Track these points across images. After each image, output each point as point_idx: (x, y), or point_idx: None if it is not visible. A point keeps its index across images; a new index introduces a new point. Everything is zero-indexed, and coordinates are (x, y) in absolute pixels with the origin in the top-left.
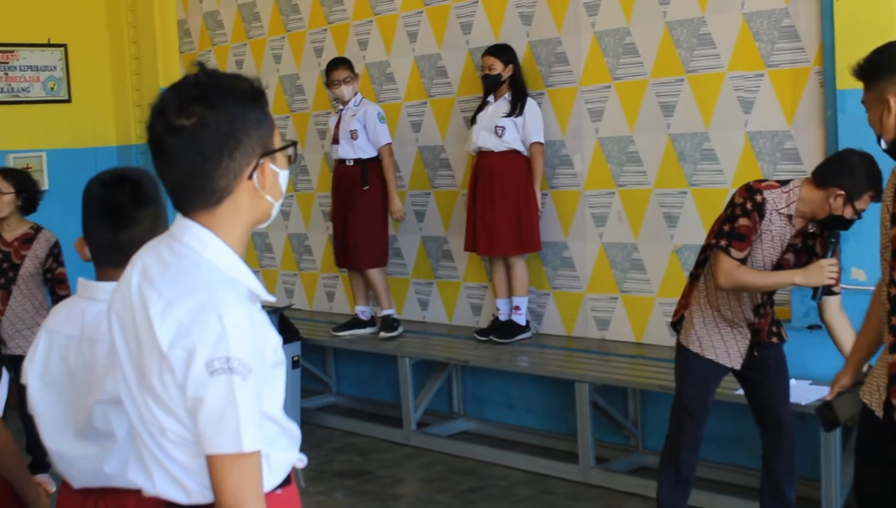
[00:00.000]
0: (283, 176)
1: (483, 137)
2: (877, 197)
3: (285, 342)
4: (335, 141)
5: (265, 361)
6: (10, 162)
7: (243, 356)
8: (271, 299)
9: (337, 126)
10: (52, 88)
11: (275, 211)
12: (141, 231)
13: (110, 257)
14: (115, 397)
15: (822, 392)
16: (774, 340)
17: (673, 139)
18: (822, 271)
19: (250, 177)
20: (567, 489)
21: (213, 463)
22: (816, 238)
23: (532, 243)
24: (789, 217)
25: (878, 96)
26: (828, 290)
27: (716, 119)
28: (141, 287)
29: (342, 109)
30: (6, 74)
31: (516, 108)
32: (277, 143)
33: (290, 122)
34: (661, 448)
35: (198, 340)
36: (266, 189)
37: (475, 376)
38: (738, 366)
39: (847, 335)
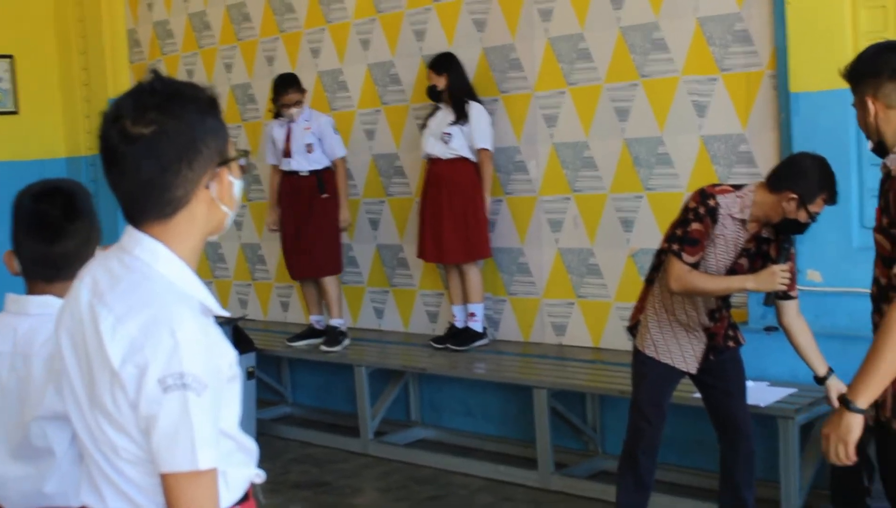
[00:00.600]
0: (238, 186)
1: (431, 144)
2: (830, 200)
3: (240, 352)
4: (286, 154)
5: (221, 376)
6: None
7: (197, 371)
8: (224, 313)
9: (287, 140)
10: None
11: (229, 221)
12: (74, 244)
13: (42, 271)
14: (53, 412)
15: (780, 394)
16: (730, 344)
17: (628, 144)
18: (773, 276)
19: (207, 187)
20: (527, 495)
21: (167, 482)
22: (770, 243)
23: (480, 251)
24: (743, 222)
25: (860, 99)
26: (784, 294)
27: (670, 123)
28: (91, 303)
29: (291, 123)
30: None
31: (460, 117)
32: (232, 152)
33: (243, 131)
34: (619, 452)
35: (150, 356)
36: (223, 199)
37: (432, 383)
38: (693, 370)
39: (806, 340)
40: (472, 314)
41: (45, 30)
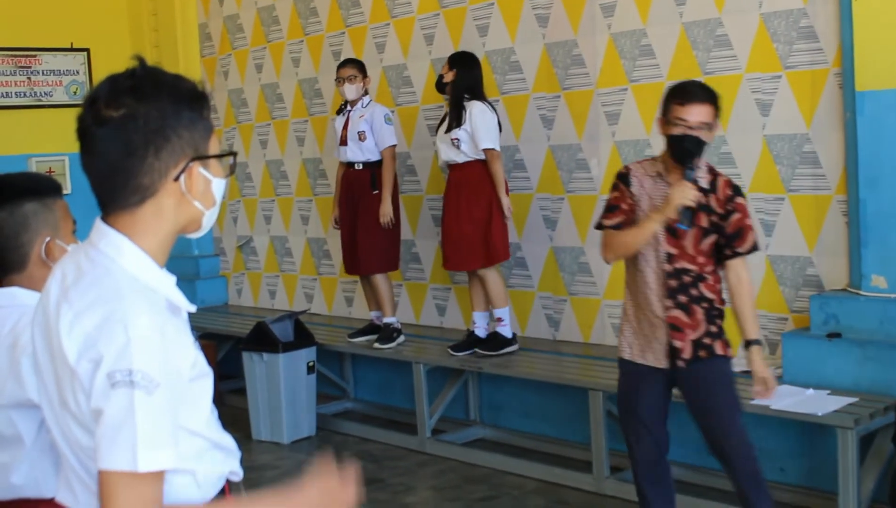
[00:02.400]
0: (217, 184)
1: (444, 150)
2: (682, 99)
3: (299, 346)
4: (342, 142)
5: (180, 376)
6: (33, 166)
7: (149, 369)
8: (191, 308)
9: (345, 127)
10: (75, 92)
11: (206, 220)
12: (1, 238)
13: None
14: (19, 400)
15: (839, 403)
16: (701, 353)
17: None
18: (681, 190)
19: (177, 179)
20: (580, 498)
21: (102, 480)
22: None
23: (499, 254)
24: (659, 175)
25: None
26: (733, 251)
27: (733, 122)
28: (58, 299)
29: (350, 111)
30: (29, 78)
31: (456, 118)
32: (214, 150)
33: (309, 125)
34: (677, 458)
35: (103, 350)
36: (194, 194)
37: (492, 383)
38: (662, 364)
39: (743, 302)
40: (500, 320)
41: (120, 24)
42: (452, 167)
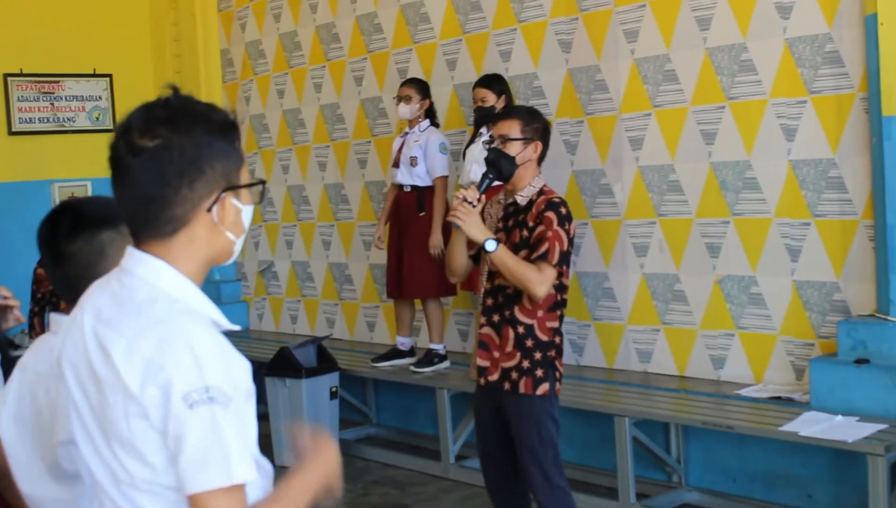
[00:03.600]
0: (247, 212)
1: (475, 171)
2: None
3: (323, 372)
4: (395, 165)
5: (239, 389)
6: (56, 192)
7: (221, 383)
8: (234, 327)
9: (399, 150)
10: (98, 118)
11: (236, 248)
12: (76, 267)
13: (61, 293)
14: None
15: (869, 430)
16: (506, 385)
17: (714, 168)
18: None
19: (209, 209)
20: None
21: (198, 503)
22: (516, 214)
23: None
24: (499, 201)
25: None
26: (530, 258)
27: (758, 147)
28: (96, 330)
29: (408, 133)
30: (52, 103)
31: None
32: (244, 179)
33: (331, 150)
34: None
35: (172, 374)
36: (225, 224)
37: None
38: (473, 376)
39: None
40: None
41: (143, 50)
42: None
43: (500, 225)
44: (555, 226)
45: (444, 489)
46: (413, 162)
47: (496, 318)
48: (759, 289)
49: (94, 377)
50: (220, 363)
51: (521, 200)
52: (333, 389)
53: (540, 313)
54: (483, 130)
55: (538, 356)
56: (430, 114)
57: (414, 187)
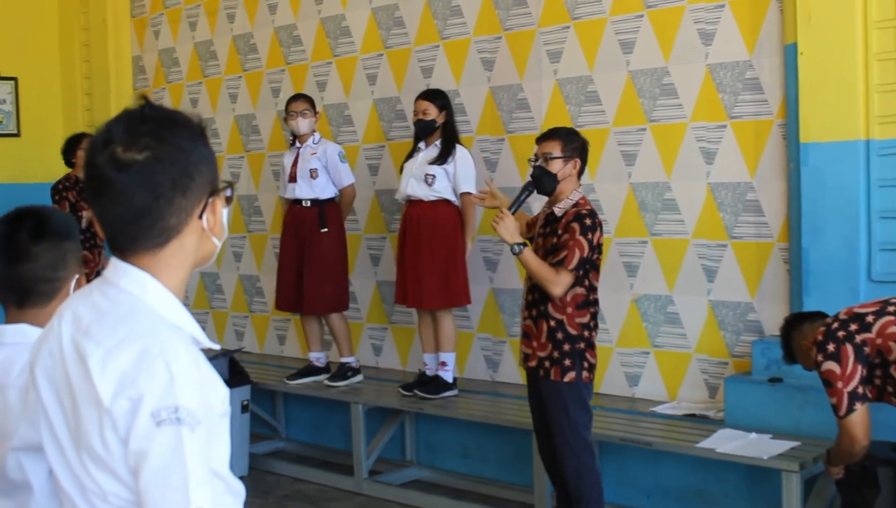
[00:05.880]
0: (226, 214)
1: (412, 186)
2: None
3: (234, 385)
4: (292, 179)
5: (213, 412)
6: None
7: (192, 405)
8: (214, 346)
9: (294, 164)
10: (1, 122)
11: (217, 251)
12: (39, 267)
13: (10, 296)
14: (29, 444)
15: (783, 447)
16: (540, 372)
17: (634, 188)
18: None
19: (200, 217)
20: None
21: None
22: (553, 222)
23: (461, 297)
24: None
25: None
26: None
27: (678, 169)
28: (75, 339)
29: (300, 148)
30: None
31: (447, 155)
32: (220, 181)
33: (245, 161)
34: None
35: (144, 389)
36: (213, 230)
37: (429, 423)
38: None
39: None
40: (444, 364)
41: (50, 54)
42: (414, 204)
43: (540, 231)
44: (577, 235)
45: (358, 504)
46: (314, 174)
47: (534, 312)
48: (675, 308)
49: (70, 388)
50: (194, 384)
51: (559, 211)
52: (245, 402)
53: (569, 310)
54: (422, 144)
55: (567, 347)
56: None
57: (314, 202)
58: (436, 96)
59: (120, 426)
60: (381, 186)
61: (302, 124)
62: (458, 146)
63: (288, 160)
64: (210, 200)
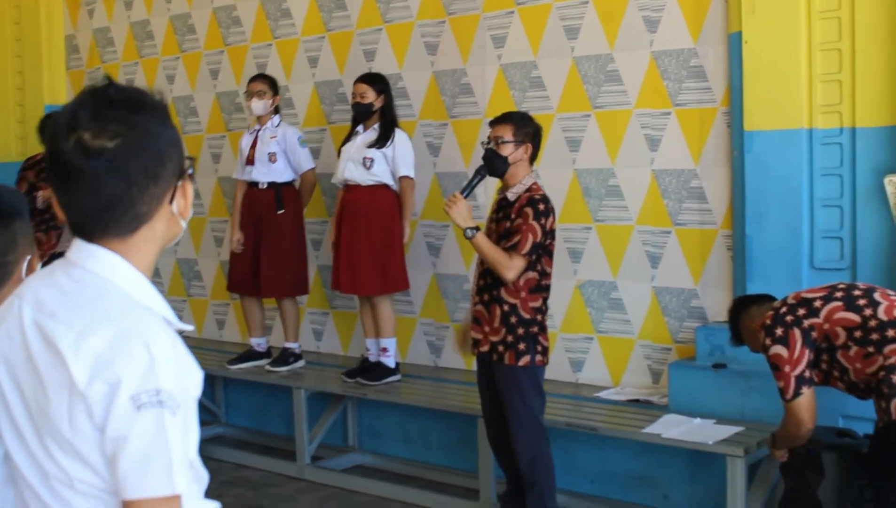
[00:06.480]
0: (191, 193)
1: (350, 169)
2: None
3: None
4: (249, 162)
5: (188, 395)
6: None
7: (172, 388)
8: (187, 327)
9: (253, 147)
10: None
11: (182, 232)
12: None
13: None
14: None
15: (727, 432)
16: (494, 357)
17: (578, 174)
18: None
19: (171, 202)
20: None
21: None
22: (506, 207)
23: (397, 283)
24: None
25: None
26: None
27: (622, 156)
28: (39, 322)
29: (259, 130)
30: None
31: (386, 139)
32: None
33: (183, 143)
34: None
35: (122, 371)
36: (183, 213)
37: (371, 409)
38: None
39: None
40: (385, 349)
41: None
42: (351, 188)
43: (493, 216)
44: (530, 220)
45: (301, 489)
46: (272, 158)
47: (486, 297)
48: (619, 294)
49: (34, 371)
50: (173, 366)
51: (511, 196)
52: None
53: (523, 294)
54: (360, 128)
55: (521, 331)
56: (276, 110)
57: (271, 184)
58: (374, 80)
59: (95, 412)
60: (322, 170)
61: (256, 105)
62: (396, 130)
63: (246, 142)
64: (179, 183)
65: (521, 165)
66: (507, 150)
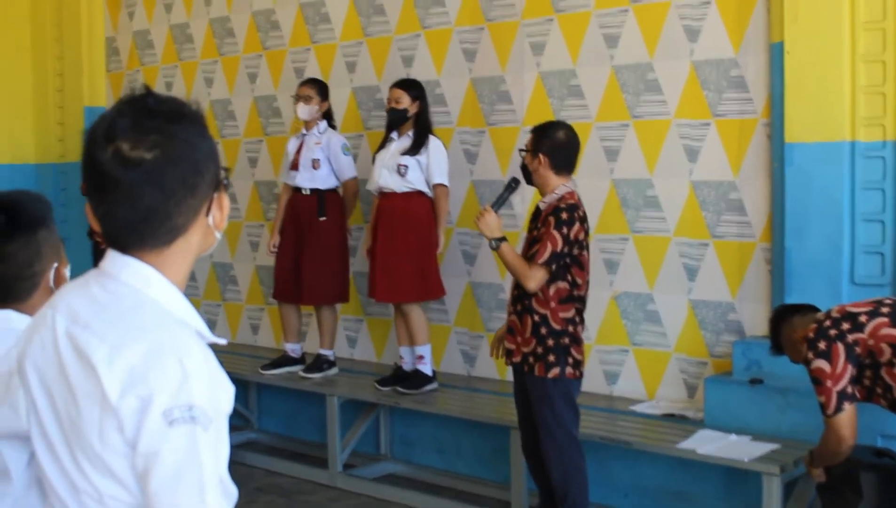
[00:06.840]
0: (226, 204)
1: (384, 177)
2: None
3: None
4: (294, 167)
5: (220, 411)
6: None
7: (205, 403)
8: (221, 341)
9: (298, 152)
10: None
11: (216, 243)
12: (15, 266)
13: None
14: (11, 430)
15: (763, 449)
16: (525, 368)
17: (616, 184)
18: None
19: (208, 214)
20: None
21: None
22: (537, 217)
23: (434, 290)
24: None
25: None
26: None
27: (660, 166)
28: (72, 333)
29: (305, 135)
30: None
31: (420, 146)
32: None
33: (221, 148)
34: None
35: (155, 386)
36: (219, 225)
37: (405, 418)
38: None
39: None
40: (421, 357)
41: (21, 32)
42: (386, 195)
43: (530, 225)
44: (552, 229)
45: (332, 497)
46: (315, 165)
47: (519, 307)
48: (655, 306)
49: (66, 383)
50: (206, 381)
51: (542, 205)
52: None
53: (553, 305)
54: (394, 134)
55: (551, 342)
56: (328, 116)
57: (314, 191)
58: (409, 86)
59: (127, 427)
60: (360, 176)
61: (301, 110)
62: (430, 137)
63: (292, 146)
64: (216, 195)
65: (546, 174)
66: (526, 160)
